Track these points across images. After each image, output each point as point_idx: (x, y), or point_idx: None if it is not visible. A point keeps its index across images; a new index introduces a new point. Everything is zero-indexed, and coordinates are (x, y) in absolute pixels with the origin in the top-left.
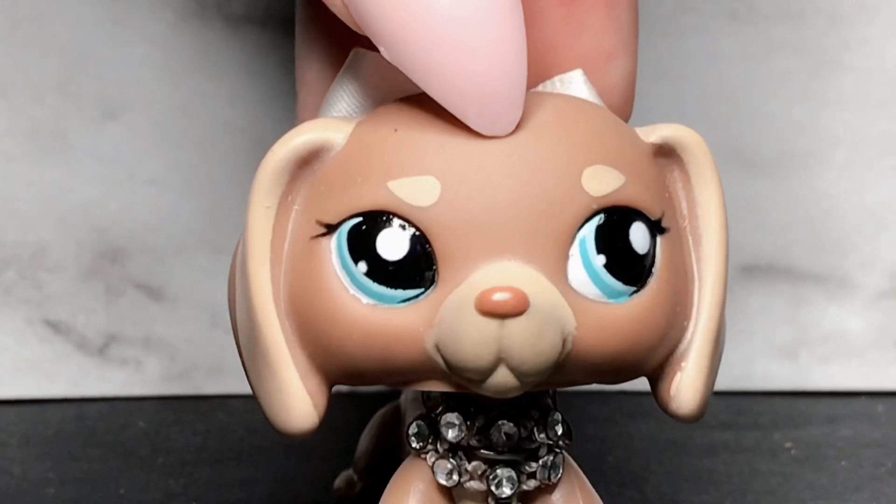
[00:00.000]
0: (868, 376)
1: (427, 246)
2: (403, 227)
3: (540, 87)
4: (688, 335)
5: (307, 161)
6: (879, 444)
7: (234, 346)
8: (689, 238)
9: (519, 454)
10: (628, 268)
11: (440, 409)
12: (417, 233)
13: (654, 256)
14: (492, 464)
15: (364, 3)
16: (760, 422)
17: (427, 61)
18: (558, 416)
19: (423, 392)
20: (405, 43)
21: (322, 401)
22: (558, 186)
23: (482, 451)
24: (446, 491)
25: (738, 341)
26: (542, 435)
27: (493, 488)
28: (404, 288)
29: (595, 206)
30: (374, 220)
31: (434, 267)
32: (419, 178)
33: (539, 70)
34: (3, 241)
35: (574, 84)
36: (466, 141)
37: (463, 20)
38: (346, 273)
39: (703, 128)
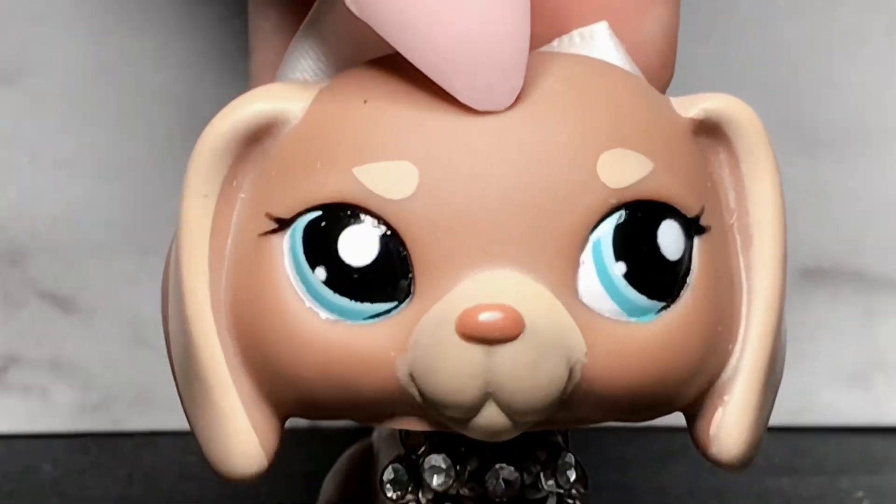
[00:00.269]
0: None
1: (401, 249)
2: (372, 225)
3: (555, 44)
4: (732, 361)
5: (256, 137)
6: None
7: (167, 369)
8: (737, 238)
9: None
10: (655, 278)
11: (422, 449)
12: (389, 232)
13: (689, 263)
14: None
15: None
16: (825, 465)
17: (403, 15)
18: (571, 457)
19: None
20: None
21: (272, 438)
22: (567, 175)
23: (476, 501)
24: None
25: (796, 364)
26: (551, 482)
27: None
28: (372, 301)
29: (614, 201)
30: (336, 216)
31: (409, 275)
32: (392, 164)
33: (551, 23)
34: None
35: (597, 40)
36: (452, 117)
37: None
38: (300, 280)
39: (756, 99)
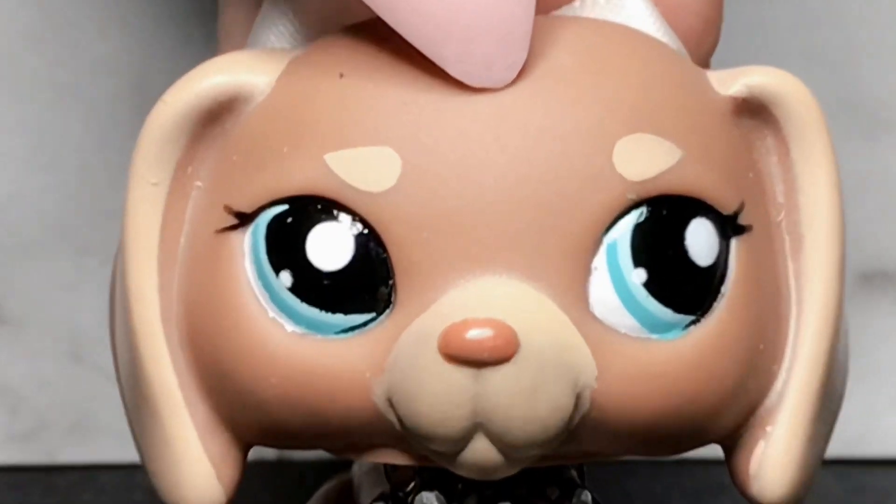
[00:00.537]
0: None
1: (380, 250)
2: (347, 222)
3: (577, 4)
4: (777, 385)
5: (215, 116)
6: None
7: (110, 391)
8: (786, 238)
9: None
10: (682, 287)
11: (412, 485)
12: (366, 230)
13: (724, 269)
14: None
15: None
16: (887, 502)
17: None
18: (587, 496)
19: None
20: None
21: (231, 470)
22: (577, 165)
23: None
24: None
25: (853, 384)
26: None
27: None
28: (346, 312)
29: (633, 196)
30: (305, 210)
31: (389, 282)
32: (371, 150)
33: None
34: None
35: (626, 1)
36: (441, 95)
37: None
38: (263, 286)
39: (809, 74)
